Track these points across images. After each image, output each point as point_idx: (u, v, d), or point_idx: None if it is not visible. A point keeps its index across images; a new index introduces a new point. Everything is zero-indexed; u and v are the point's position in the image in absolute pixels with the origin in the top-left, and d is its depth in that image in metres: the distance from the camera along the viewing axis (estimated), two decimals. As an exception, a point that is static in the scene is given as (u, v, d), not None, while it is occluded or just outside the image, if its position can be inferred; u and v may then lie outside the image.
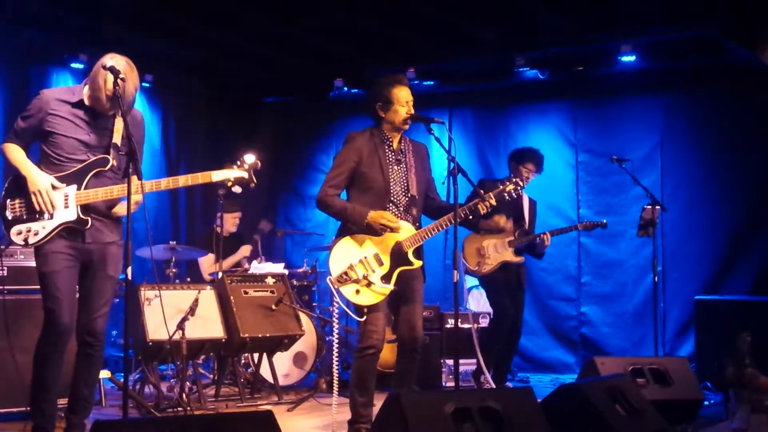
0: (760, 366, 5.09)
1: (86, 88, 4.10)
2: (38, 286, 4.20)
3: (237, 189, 4.27)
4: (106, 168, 4.11)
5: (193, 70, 8.56)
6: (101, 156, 4.11)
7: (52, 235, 4.04)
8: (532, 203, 6.69)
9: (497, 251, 6.29)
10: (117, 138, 4.14)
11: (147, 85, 8.24)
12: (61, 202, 4.05)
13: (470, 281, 7.73)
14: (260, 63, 8.38)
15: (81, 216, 4.07)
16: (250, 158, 4.26)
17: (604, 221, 6.55)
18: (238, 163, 4.26)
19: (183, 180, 4.20)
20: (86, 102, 4.09)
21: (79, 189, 4.07)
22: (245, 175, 4.25)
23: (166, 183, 4.19)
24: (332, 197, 4.54)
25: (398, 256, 4.50)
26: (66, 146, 4.08)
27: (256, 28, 7.32)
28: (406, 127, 4.61)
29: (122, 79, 3.92)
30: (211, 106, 9.01)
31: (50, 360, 4.09)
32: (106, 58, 4.01)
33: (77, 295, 4.21)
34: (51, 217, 4.04)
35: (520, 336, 6.50)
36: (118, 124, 4.14)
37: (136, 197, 3.94)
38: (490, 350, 6.35)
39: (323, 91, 8.71)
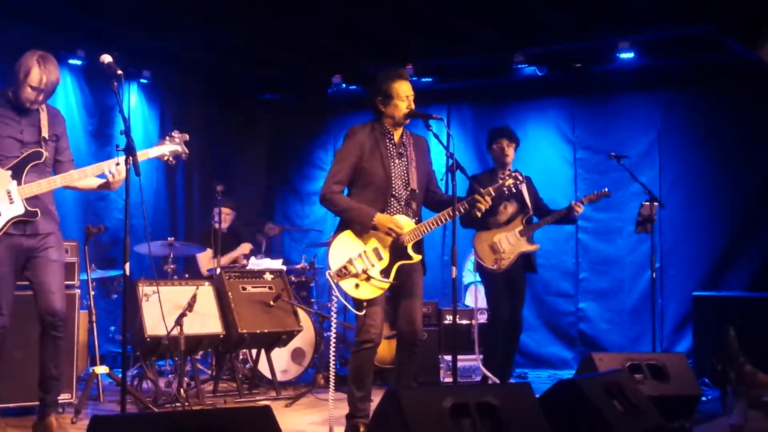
0: (758, 362, 5.10)
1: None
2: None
3: (172, 161, 4.52)
4: (41, 160, 4.26)
5: (191, 66, 8.53)
6: (34, 150, 4.26)
7: (1, 232, 4.12)
8: (527, 180, 6.26)
9: (510, 243, 6.11)
10: (45, 132, 4.32)
11: (145, 81, 8.22)
12: (5, 198, 4.12)
13: (468, 277, 7.73)
14: (258, 60, 8.36)
15: (29, 209, 4.18)
16: (177, 132, 4.57)
17: (606, 190, 6.32)
18: (168, 138, 4.52)
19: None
20: (10, 96, 4.25)
21: (19, 184, 4.16)
22: (178, 148, 4.52)
23: (108, 165, 4.27)
24: (337, 194, 4.52)
25: (398, 250, 4.50)
26: (1, 146, 4.20)
27: (254, 24, 7.31)
28: (407, 121, 4.60)
29: (120, 77, 4.01)
30: (209, 103, 8.99)
31: None
32: (28, 54, 4.33)
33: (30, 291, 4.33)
34: None
35: (521, 331, 6.41)
36: (44, 120, 4.32)
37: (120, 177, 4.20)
38: (492, 350, 6.29)
39: (321, 87, 8.70)
